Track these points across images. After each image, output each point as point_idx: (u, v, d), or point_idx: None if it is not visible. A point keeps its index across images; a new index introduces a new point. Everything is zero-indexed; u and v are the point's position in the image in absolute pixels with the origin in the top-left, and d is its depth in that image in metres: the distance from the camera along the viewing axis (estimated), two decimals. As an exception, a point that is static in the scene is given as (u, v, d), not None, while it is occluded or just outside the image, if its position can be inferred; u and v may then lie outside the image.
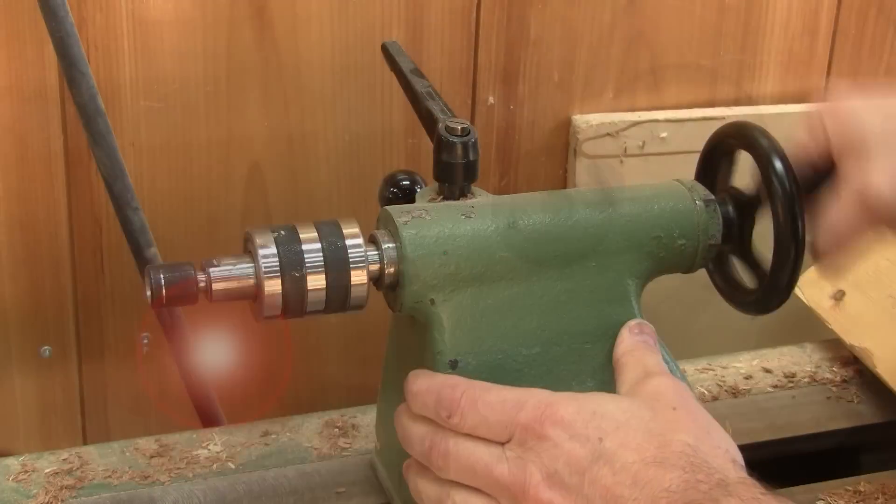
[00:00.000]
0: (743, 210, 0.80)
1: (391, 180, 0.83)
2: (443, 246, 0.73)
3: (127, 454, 0.92)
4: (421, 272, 0.73)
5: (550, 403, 0.65)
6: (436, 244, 0.73)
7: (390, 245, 0.73)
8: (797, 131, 0.80)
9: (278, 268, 0.69)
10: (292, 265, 0.70)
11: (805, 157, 0.80)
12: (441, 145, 0.78)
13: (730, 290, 0.84)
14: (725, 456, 0.63)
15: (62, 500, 0.86)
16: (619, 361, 0.73)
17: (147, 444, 0.93)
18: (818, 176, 0.81)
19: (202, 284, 0.69)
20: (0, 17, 1.07)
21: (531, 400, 0.66)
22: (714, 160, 0.84)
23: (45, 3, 1.01)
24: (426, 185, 0.82)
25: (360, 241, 0.72)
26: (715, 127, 0.84)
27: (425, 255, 0.73)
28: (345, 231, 0.72)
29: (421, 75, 0.86)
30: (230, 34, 1.14)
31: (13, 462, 0.90)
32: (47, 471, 0.89)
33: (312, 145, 1.20)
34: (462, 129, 0.78)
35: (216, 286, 0.70)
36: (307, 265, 0.70)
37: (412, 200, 0.80)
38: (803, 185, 0.78)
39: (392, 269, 0.73)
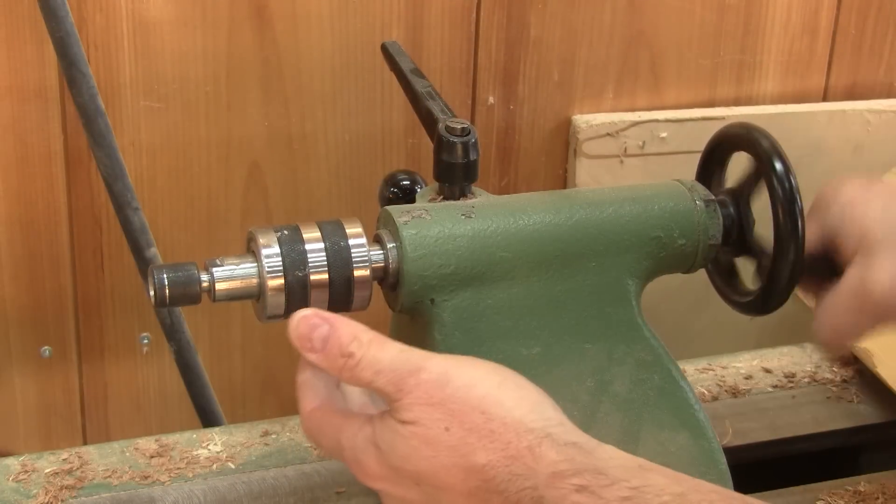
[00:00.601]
0: (742, 210, 0.80)
1: (391, 180, 0.83)
2: (443, 246, 0.73)
3: (127, 454, 0.92)
4: (421, 272, 0.73)
5: (360, 463, 0.64)
6: (436, 244, 0.73)
7: (391, 245, 0.73)
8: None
9: (281, 267, 0.69)
10: (295, 265, 0.70)
11: (809, 244, 0.78)
12: (441, 145, 0.78)
13: (729, 290, 0.84)
14: (522, 450, 0.60)
15: (62, 500, 0.86)
16: (353, 385, 0.67)
17: (147, 444, 0.93)
18: (823, 263, 0.80)
19: (205, 284, 0.69)
20: (0, 17, 1.07)
21: (347, 457, 0.65)
22: (715, 160, 0.84)
23: (45, 3, 1.01)
24: (426, 185, 0.82)
25: (363, 240, 0.72)
26: (715, 127, 0.85)
27: (425, 255, 0.73)
28: (348, 231, 0.72)
29: (421, 75, 0.86)
30: (230, 34, 1.14)
31: (13, 462, 0.90)
32: (47, 471, 0.89)
33: (312, 145, 1.20)
34: (462, 129, 0.78)
35: (219, 286, 0.70)
36: (310, 265, 0.70)
37: (412, 200, 0.80)
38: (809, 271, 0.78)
39: (392, 269, 0.73)
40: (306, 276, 0.70)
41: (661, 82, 1.30)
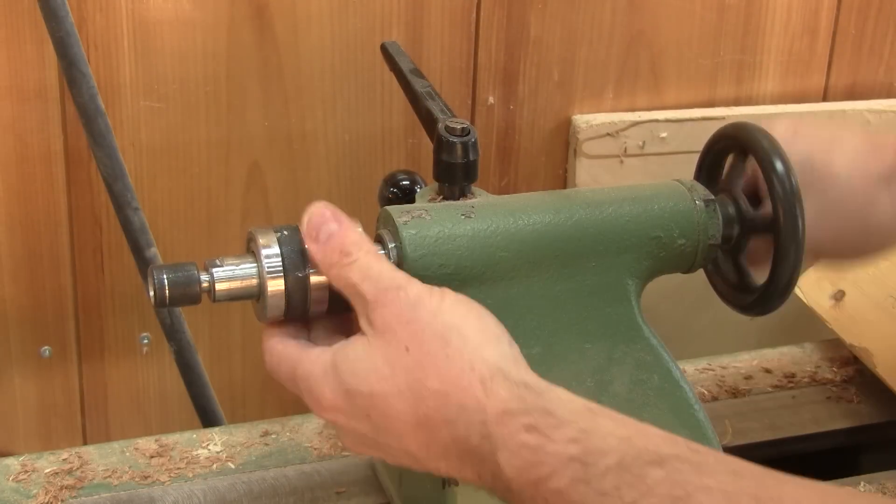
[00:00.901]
0: (742, 210, 0.80)
1: (391, 180, 0.83)
2: (443, 246, 0.73)
3: (127, 454, 0.92)
4: (421, 272, 0.73)
5: (314, 393, 0.66)
6: (436, 244, 0.73)
7: (391, 245, 0.73)
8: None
9: (281, 268, 0.69)
10: (295, 265, 0.70)
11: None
12: (441, 145, 0.78)
13: (729, 290, 0.84)
14: (474, 382, 0.61)
15: (62, 500, 0.86)
16: (337, 283, 0.68)
17: (147, 444, 0.93)
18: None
19: (205, 284, 0.69)
20: (0, 17, 1.07)
21: (301, 387, 0.67)
22: (714, 160, 0.84)
23: (45, 3, 1.01)
24: (426, 185, 0.82)
25: (362, 240, 0.72)
26: (715, 127, 0.84)
27: (425, 255, 0.72)
28: (348, 231, 0.72)
29: (421, 75, 0.86)
30: (230, 34, 1.14)
31: (13, 462, 0.90)
32: (47, 471, 0.89)
33: (312, 145, 1.21)
34: (462, 129, 0.78)
35: (219, 286, 0.69)
36: (311, 265, 0.70)
37: (412, 200, 0.80)
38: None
39: (393, 269, 0.73)
40: (306, 277, 0.70)
41: (661, 82, 1.30)
